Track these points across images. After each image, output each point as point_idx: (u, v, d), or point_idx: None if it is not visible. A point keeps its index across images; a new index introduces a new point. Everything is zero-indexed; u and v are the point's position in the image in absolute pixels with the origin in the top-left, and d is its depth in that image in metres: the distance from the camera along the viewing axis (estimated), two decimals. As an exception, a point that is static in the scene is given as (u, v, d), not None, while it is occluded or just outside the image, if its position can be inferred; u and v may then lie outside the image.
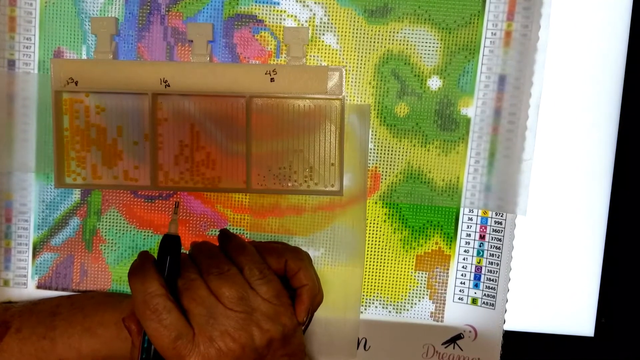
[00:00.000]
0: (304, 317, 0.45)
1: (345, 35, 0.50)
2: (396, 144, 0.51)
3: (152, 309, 0.40)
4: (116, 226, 0.53)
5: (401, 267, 0.53)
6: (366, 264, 0.53)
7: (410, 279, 0.53)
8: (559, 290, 0.54)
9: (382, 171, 0.52)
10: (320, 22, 0.50)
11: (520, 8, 0.49)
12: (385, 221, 0.52)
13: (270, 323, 0.42)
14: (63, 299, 0.52)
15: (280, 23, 0.50)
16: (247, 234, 0.53)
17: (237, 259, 0.44)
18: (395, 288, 0.53)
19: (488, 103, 0.50)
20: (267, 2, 0.50)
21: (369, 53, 0.50)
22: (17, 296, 0.54)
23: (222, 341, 0.40)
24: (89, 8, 0.51)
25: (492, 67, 0.50)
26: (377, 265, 0.53)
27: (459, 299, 0.53)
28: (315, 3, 0.50)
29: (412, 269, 0.53)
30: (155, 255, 0.44)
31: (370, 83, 0.51)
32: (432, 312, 0.53)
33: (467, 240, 0.52)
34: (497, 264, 0.52)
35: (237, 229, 0.53)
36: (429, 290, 0.53)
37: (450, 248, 0.52)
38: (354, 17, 0.50)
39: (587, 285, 0.54)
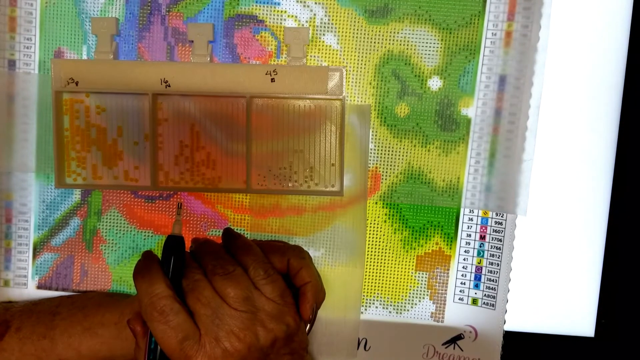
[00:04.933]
0: (309, 315, 0.45)
1: (346, 36, 0.50)
2: (396, 144, 0.51)
3: (159, 311, 0.40)
4: (116, 226, 0.53)
5: (401, 268, 0.53)
6: (366, 264, 0.53)
7: (411, 279, 0.53)
8: (559, 290, 0.54)
9: (383, 171, 0.52)
10: (321, 23, 0.50)
11: (520, 8, 0.49)
12: (385, 221, 0.52)
13: (275, 322, 0.42)
14: (63, 298, 0.52)
15: (281, 23, 0.50)
16: (247, 234, 0.53)
17: (242, 258, 0.44)
18: (396, 288, 0.53)
19: (488, 103, 0.50)
20: (267, 3, 0.50)
21: (370, 53, 0.50)
22: (18, 296, 0.54)
23: (228, 341, 0.41)
24: (89, 8, 0.51)
25: (493, 67, 0.50)
26: (377, 266, 0.53)
27: (460, 299, 0.53)
28: (315, 3, 0.50)
29: (412, 269, 0.53)
30: (159, 255, 0.44)
31: (370, 83, 0.51)
32: (432, 313, 0.53)
33: (468, 241, 0.52)
34: (498, 265, 0.52)
35: (237, 229, 0.52)
36: (430, 291, 0.53)
37: (450, 248, 0.52)
38: (355, 18, 0.50)
39: (587, 285, 0.54)
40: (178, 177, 0.51)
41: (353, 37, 0.50)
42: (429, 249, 0.53)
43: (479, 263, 0.52)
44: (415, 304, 0.53)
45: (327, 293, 0.50)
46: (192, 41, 0.50)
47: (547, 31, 0.49)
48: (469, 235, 0.52)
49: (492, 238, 0.52)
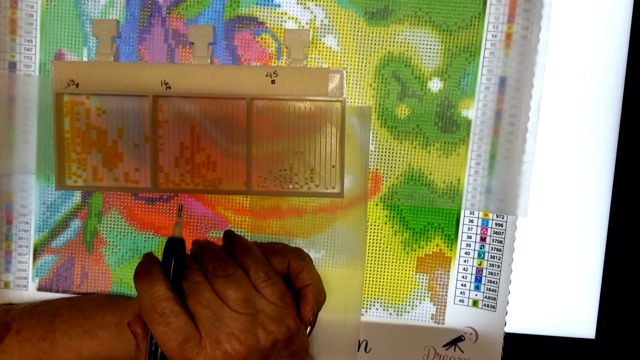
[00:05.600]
0: (310, 317, 0.45)
1: (346, 37, 0.50)
2: (397, 145, 0.51)
3: (160, 313, 0.40)
4: (117, 228, 0.53)
5: (402, 269, 0.53)
6: (367, 266, 0.53)
7: (411, 281, 0.53)
8: (560, 292, 0.54)
9: (383, 173, 0.52)
10: (321, 24, 0.50)
11: (520, 10, 0.49)
12: (386, 223, 0.52)
13: (275, 325, 0.42)
14: (63, 300, 0.52)
15: (281, 25, 0.50)
16: (248, 236, 0.53)
17: (243, 260, 0.44)
18: (396, 290, 0.53)
19: (489, 105, 0.50)
20: (268, 4, 0.50)
21: (370, 55, 0.50)
22: (18, 298, 0.54)
23: (229, 343, 0.41)
24: (90, 10, 0.51)
25: (493, 69, 0.50)
26: (378, 267, 0.53)
27: (460, 301, 0.53)
28: (316, 5, 0.50)
29: (413, 271, 0.53)
30: (160, 257, 0.44)
31: (371, 85, 0.51)
32: (433, 314, 0.53)
33: (468, 242, 0.52)
34: (498, 266, 0.52)
35: (238, 231, 0.53)
36: (430, 292, 0.53)
37: (451, 250, 0.52)
38: (355, 19, 0.50)
39: (588, 287, 0.54)
40: (178, 179, 0.51)
41: (353, 38, 0.50)
42: (429, 251, 0.53)
43: (480, 265, 0.52)
44: (416, 306, 0.53)
45: (328, 295, 0.50)
46: (193, 43, 0.50)
47: (547, 33, 0.49)
48: (470, 237, 0.52)
49: (493, 240, 0.52)
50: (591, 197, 0.53)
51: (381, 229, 0.52)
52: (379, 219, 0.52)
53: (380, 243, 0.53)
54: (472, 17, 0.50)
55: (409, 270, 0.53)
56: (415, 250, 0.53)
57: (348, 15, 0.50)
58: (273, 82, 0.50)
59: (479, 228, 0.52)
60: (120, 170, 0.51)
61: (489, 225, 0.52)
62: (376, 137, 0.51)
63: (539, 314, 0.54)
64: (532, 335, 0.54)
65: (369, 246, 0.53)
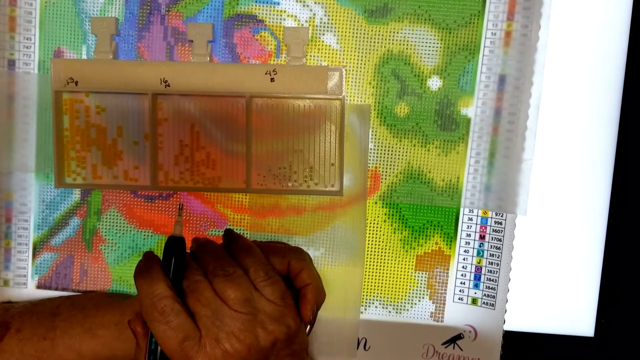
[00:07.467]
0: (310, 316, 0.45)
1: (346, 35, 0.50)
2: (396, 144, 0.51)
3: (160, 311, 0.40)
4: (116, 226, 0.53)
5: (401, 267, 0.53)
6: (366, 264, 0.53)
7: (410, 279, 0.53)
8: (559, 290, 0.54)
9: (382, 171, 0.52)
10: (320, 22, 0.50)
11: (520, 8, 0.49)
12: (385, 221, 0.52)
13: (275, 324, 0.42)
14: (63, 299, 0.52)
15: (280, 23, 0.50)
16: (247, 234, 0.53)
17: (243, 260, 0.44)
18: (395, 288, 0.53)
19: (488, 103, 0.50)
20: (267, 2, 0.50)
21: (369, 53, 0.50)
22: (17, 296, 0.54)
23: (228, 342, 0.41)
24: (89, 8, 0.51)
25: (492, 67, 0.50)
26: (377, 265, 0.53)
27: (459, 299, 0.53)
28: (315, 3, 0.50)
29: (412, 269, 0.53)
30: (160, 256, 0.44)
31: (370, 83, 0.51)
32: (432, 312, 0.53)
33: (467, 240, 0.52)
34: (497, 264, 0.52)
35: (237, 229, 0.53)
36: (429, 290, 0.53)
37: (450, 248, 0.53)
38: (354, 17, 0.50)
39: (587, 285, 0.54)
40: (178, 177, 0.51)
41: (353, 36, 0.50)
42: (428, 249, 0.53)
43: (479, 263, 0.52)
44: (415, 304, 0.53)
45: (327, 293, 0.50)
46: (192, 41, 0.50)
47: (547, 31, 0.49)
48: (469, 235, 0.52)
49: (492, 238, 0.52)
50: (590, 195, 0.53)
51: (380, 227, 0.53)
52: (378, 217, 0.52)
53: (379, 241, 0.53)
54: (472, 15, 0.50)
55: (408, 268, 0.53)
56: (414, 248, 0.53)
57: (347, 13, 0.50)
58: (272, 80, 0.50)
59: (478, 226, 0.52)
60: (119, 168, 0.51)
61: (488, 224, 0.52)
62: (375, 135, 0.51)
63: (538, 312, 0.54)
64: (531, 333, 0.54)
65: (368, 244, 0.53)
